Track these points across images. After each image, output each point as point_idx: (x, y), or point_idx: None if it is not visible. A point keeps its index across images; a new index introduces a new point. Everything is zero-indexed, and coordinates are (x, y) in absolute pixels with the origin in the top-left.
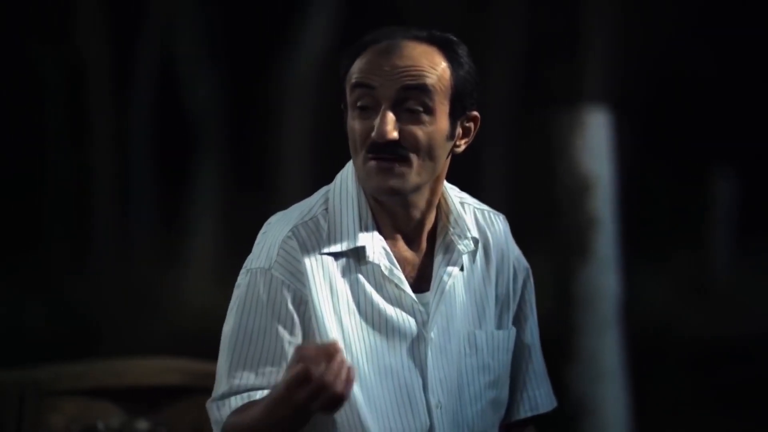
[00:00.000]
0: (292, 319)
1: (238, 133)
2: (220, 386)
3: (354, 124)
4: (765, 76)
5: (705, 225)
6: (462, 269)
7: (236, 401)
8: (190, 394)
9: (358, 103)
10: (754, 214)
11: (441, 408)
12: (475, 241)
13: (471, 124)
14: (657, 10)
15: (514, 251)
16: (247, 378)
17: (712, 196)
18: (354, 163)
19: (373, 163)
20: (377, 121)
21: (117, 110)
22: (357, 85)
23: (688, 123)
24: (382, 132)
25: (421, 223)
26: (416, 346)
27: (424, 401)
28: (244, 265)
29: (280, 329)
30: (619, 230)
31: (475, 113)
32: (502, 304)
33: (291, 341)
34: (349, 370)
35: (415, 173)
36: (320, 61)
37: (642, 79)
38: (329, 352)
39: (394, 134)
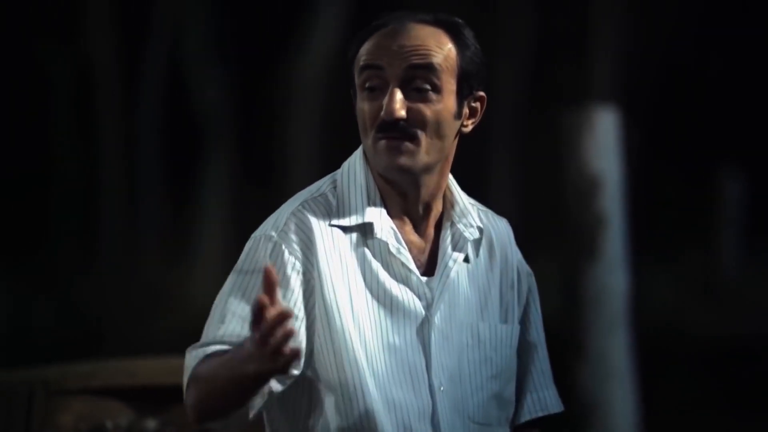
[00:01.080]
0: (288, 283)
1: (245, 133)
2: (204, 336)
3: (363, 105)
4: None
5: (713, 225)
6: (466, 260)
7: (212, 348)
8: None
9: (367, 84)
10: (763, 214)
11: (443, 391)
12: (480, 231)
13: (478, 104)
14: (665, 10)
15: (518, 255)
16: (232, 329)
17: (720, 196)
18: (364, 144)
19: (383, 142)
20: (386, 100)
21: (125, 110)
22: (365, 66)
23: (697, 123)
24: (390, 110)
25: (429, 207)
26: (421, 326)
27: (427, 381)
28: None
29: (279, 290)
30: (627, 230)
31: (482, 93)
32: (505, 300)
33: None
34: (290, 347)
35: (423, 151)
36: (328, 61)
37: (650, 78)
38: (283, 317)
39: (402, 112)
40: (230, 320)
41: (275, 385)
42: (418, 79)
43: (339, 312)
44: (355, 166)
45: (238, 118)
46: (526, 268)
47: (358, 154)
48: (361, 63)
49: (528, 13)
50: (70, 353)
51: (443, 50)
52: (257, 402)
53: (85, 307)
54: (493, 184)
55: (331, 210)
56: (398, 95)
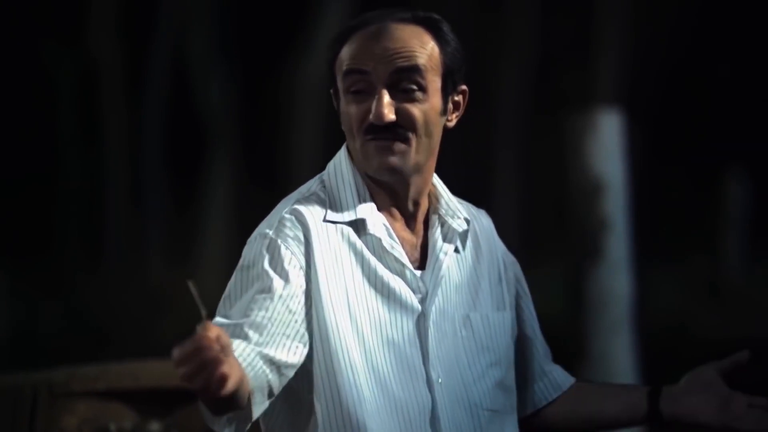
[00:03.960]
0: (288, 277)
1: (250, 134)
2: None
3: (349, 109)
4: None
5: (718, 227)
6: (456, 251)
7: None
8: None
9: (352, 89)
10: (767, 216)
11: (442, 384)
12: (467, 222)
13: (461, 98)
14: (669, 13)
15: (501, 244)
16: (235, 315)
17: (724, 198)
18: (350, 148)
19: (372, 143)
20: (374, 104)
21: (130, 112)
22: (350, 71)
23: (701, 125)
24: (380, 114)
25: (417, 204)
26: (417, 320)
27: (424, 375)
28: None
29: (275, 282)
30: (631, 232)
31: (464, 87)
32: (495, 289)
33: (282, 296)
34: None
35: (414, 151)
36: None
37: (654, 81)
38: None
39: (392, 116)
40: (230, 308)
41: (274, 380)
42: (405, 80)
43: (334, 309)
44: (341, 165)
45: (243, 119)
46: (510, 257)
47: (342, 154)
48: (345, 67)
49: (532, 17)
50: (75, 356)
51: (426, 50)
52: (258, 399)
53: (89, 310)
54: (497, 187)
55: (324, 207)
56: (386, 98)
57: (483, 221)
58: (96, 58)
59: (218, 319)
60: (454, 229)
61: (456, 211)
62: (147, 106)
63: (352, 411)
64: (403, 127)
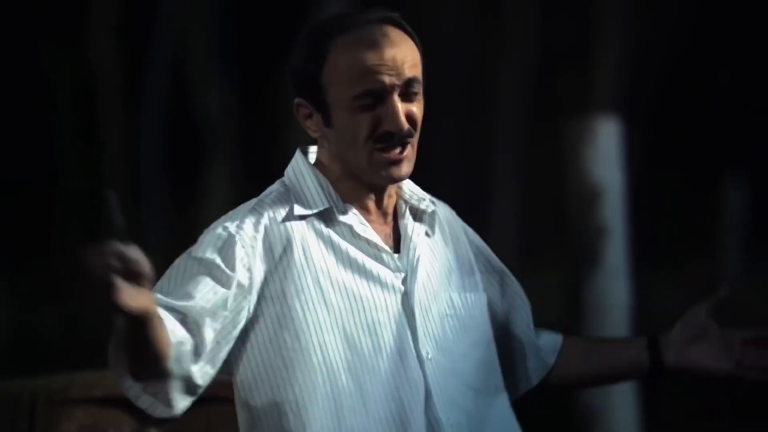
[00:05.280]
0: (233, 275)
1: (248, 140)
2: None
3: (359, 119)
4: None
5: (716, 233)
6: (427, 234)
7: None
8: (201, 403)
9: (363, 105)
10: (766, 223)
11: (432, 361)
12: (433, 203)
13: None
14: (668, 19)
15: (462, 223)
16: (175, 296)
17: (723, 205)
18: (351, 156)
19: (381, 154)
20: (387, 113)
21: (128, 118)
22: (369, 91)
23: (699, 131)
24: (401, 124)
25: (383, 197)
26: (402, 300)
27: (415, 353)
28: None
29: (216, 275)
30: (629, 238)
31: None
32: (465, 269)
33: (222, 292)
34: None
35: (413, 153)
36: None
37: (652, 87)
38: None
39: (407, 124)
40: (165, 294)
41: (197, 370)
42: (410, 87)
43: (303, 306)
44: (300, 168)
45: (241, 124)
46: (478, 239)
47: (299, 159)
48: (361, 87)
49: (531, 22)
50: (74, 362)
51: (418, 54)
52: (177, 384)
53: (87, 316)
54: (495, 193)
55: (289, 203)
56: (401, 107)
57: (441, 205)
58: (95, 62)
59: (156, 295)
60: (422, 210)
61: (420, 194)
62: (146, 110)
63: (332, 410)
64: (411, 131)
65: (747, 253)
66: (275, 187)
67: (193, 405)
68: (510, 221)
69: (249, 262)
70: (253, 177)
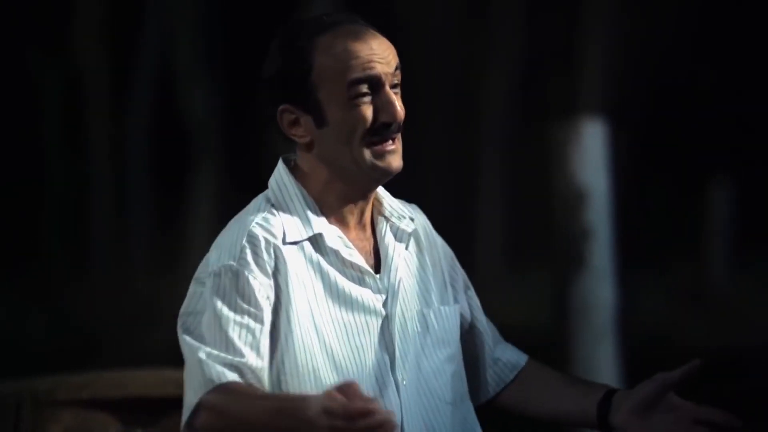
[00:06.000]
0: (260, 306)
1: (235, 144)
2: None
3: (356, 113)
4: (761, 88)
5: (701, 235)
6: (407, 249)
7: (229, 377)
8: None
9: (361, 93)
10: (751, 225)
11: (405, 385)
12: (412, 221)
13: None
14: (654, 23)
15: (438, 237)
16: (220, 348)
17: (708, 207)
18: (346, 154)
19: (376, 147)
20: (384, 104)
21: (115, 121)
22: (362, 78)
23: (685, 134)
24: (398, 113)
25: (363, 210)
26: (382, 324)
27: (392, 379)
28: (200, 269)
29: (248, 318)
30: (614, 241)
31: None
32: (440, 283)
33: (260, 329)
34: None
35: (401, 146)
36: None
37: (638, 90)
38: (370, 408)
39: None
40: (234, 349)
41: None
42: (395, 78)
43: (301, 328)
44: (283, 181)
45: (228, 128)
46: (448, 249)
47: (281, 171)
48: (354, 76)
49: (517, 25)
50: (60, 364)
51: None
52: None
53: (74, 318)
54: (481, 195)
55: (279, 228)
56: (395, 97)
57: (418, 216)
58: (82, 66)
59: (214, 352)
60: (403, 230)
61: (400, 211)
62: (132, 114)
63: None
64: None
65: (732, 255)
66: (261, 205)
67: (181, 409)
68: (496, 223)
69: (265, 292)
70: (239, 178)
